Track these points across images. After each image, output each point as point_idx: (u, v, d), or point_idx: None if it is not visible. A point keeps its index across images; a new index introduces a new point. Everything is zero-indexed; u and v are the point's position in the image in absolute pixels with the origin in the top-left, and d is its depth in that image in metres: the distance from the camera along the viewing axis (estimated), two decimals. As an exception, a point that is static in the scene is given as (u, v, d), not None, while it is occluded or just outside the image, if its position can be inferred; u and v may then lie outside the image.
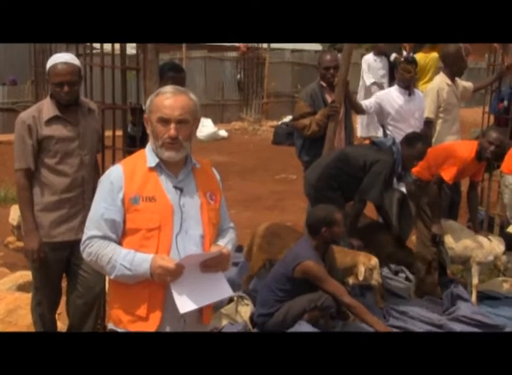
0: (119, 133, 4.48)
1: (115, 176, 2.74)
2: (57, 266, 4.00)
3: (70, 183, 3.91)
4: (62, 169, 3.90)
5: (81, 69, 4.01)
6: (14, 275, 5.50)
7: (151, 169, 2.75)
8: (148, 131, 2.79)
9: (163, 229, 2.70)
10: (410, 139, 5.15)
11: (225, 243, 2.88)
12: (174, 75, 4.50)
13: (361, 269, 4.79)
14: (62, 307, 4.30)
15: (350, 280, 4.92)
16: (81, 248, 2.77)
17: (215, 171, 2.98)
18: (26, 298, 4.60)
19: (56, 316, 4.37)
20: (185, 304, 2.66)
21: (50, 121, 3.87)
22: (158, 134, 2.71)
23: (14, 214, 6.57)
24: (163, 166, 2.76)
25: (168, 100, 2.71)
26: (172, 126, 2.69)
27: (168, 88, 2.79)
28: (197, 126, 2.83)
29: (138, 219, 2.70)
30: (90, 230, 2.74)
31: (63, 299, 4.24)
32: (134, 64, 4.53)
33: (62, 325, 4.46)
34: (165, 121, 2.70)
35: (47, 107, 3.91)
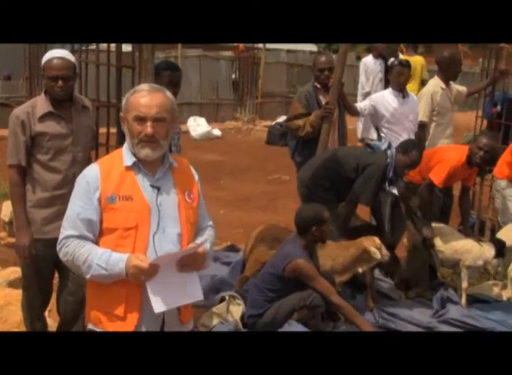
0: (113, 130, 4.48)
1: (91, 175, 2.74)
2: (48, 263, 3.98)
3: (62, 180, 3.90)
4: (54, 165, 3.90)
5: (76, 65, 4.01)
6: (5, 271, 5.49)
7: (128, 168, 2.75)
8: (125, 130, 2.78)
9: (140, 228, 2.70)
10: (404, 147, 5.14)
11: (203, 241, 2.87)
12: (170, 73, 4.50)
13: (373, 250, 4.81)
14: (52, 304, 4.30)
15: (360, 269, 4.93)
16: (57, 247, 2.76)
17: (193, 170, 2.97)
18: (17, 294, 4.60)
19: (47, 313, 4.37)
20: (160, 304, 2.66)
21: (43, 117, 3.87)
22: (134, 133, 2.71)
23: (6, 210, 6.56)
24: (140, 165, 2.75)
25: (144, 98, 2.71)
26: (149, 124, 2.68)
27: (144, 86, 2.80)
28: (173, 125, 2.83)
29: (115, 218, 2.69)
30: (66, 230, 2.74)
31: (54, 296, 4.24)
32: (130, 62, 4.53)
33: (52, 322, 4.45)
34: (141, 119, 2.69)
35: (41, 103, 3.90)
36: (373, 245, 4.86)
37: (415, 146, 5.21)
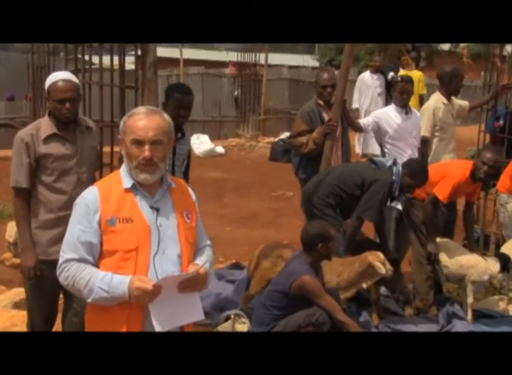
0: (117, 150, 4.50)
1: (90, 198, 2.74)
2: (53, 284, 3.90)
3: (67, 201, 3.89)
4: (59, 186, 3.91)
5: (80, 87, 4.03)
6: (10, 292, 5.49)
7: (127, 190, 2.75)
8: (122, 152, 2.79)
9: (141, 250, 2.69)
10: (411, 167, 5.14)
11: (203, 262, 2.87)
12: (179, 97, 4.46)
13: (378, 265, 4.83)
14: (57, 324, 4.28)
15: (365, 285, 4.95)
16: (57, 271, 2.75)
17: (191, 190, 2.99)
18: (22, 315, 4.59)
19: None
20: (162, 324, 2.66)
21: (48, 139, 3.88)
22: (132, 156, 2.71)
23: (11, 231, 6.56)
24: (139, 186, 2.76)
25: (141, 121, 2.71)
26: (147, 147, 2.69)
27: (141, 109, 2.81)
28: (171, 146, 2.85)
29: (115, 240, 2.68)
30: (66, 254, 2.73)
31: (59, 317, 4.23)
32: (133, 81, 4.55)
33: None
34: (139, 143, 2.70)
35: (45, 125, 3.92)
36: (377, 260, 4.86)
37: (422, 168, 5.21)
